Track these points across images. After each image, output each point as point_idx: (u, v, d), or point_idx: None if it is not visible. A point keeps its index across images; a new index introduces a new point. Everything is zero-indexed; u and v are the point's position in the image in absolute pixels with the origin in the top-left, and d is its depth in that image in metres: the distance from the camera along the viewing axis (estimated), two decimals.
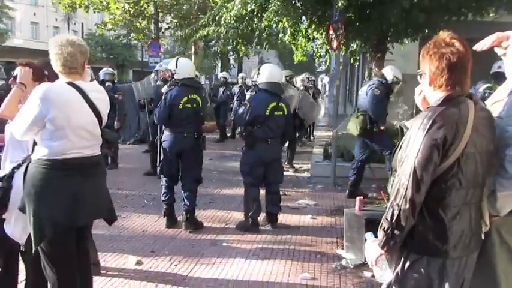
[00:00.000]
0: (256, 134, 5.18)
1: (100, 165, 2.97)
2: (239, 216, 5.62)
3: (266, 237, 5.06)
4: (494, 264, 2.11)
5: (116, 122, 8.52)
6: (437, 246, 1.89)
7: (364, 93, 6.50)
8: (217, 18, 8.58)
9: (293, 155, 9.11)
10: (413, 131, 1.88)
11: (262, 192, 5.44)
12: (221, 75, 14.63)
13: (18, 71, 3.39)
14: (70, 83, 2.71)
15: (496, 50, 2.46)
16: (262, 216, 5.39)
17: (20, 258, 3.26)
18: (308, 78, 12.51)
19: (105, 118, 2.89)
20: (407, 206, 1.83)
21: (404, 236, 1.89)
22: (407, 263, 1.94)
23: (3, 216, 3.20)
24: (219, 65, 25.68)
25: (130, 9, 16.29)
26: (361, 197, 4.58)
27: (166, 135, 5.27)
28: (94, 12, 15.82)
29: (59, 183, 2.68)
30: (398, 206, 1.85)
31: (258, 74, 5.36)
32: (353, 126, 6.44)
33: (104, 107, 2.89)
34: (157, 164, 5.65)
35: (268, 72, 5.28)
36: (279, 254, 4.60)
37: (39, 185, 2.67)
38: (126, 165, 9.00)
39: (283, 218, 5.60)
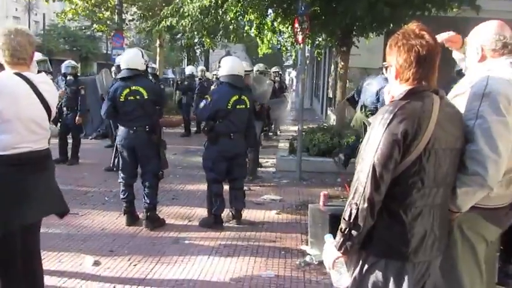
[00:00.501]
0: (218, 129, 5.05)
1: (49, 158, 2.83)
2: (203, 212, 5.49)
3: (230, 234, 4.95)
4: (457, 265, 2.07)
5: (77, 117, 8.25)
6: (397, 248, 1.79)
7: (374, 94, 5.97)
8: (181, 10, 8.40)
9: (257, 160, 7.79)
10: (373, 126, 1.79)
11: (226, 187, 5.33)
12: (188, 69, 14.41)
13: None
14: (18, 74, 2.58)
15: (454, 55, 2.46)
16: (226, 213, 5.29)
17: None
18: (276, 72, 12.46)
19: (54, 111, 2.76)
20: (366, 205, 1.73)
21: (362, 237, 1.78)
22: (366, 266, 1.84)
23: None
24: (186, 58, 25.33)
25: None
26: (326, 193, 4.53)
27: (119, 130, 5.13)
28: (54, 1, 15.20)
29: (8, 179, 2.55)
30: (356, 205, 1.74)
31: (219, 66, 5.24)
32: (359, 123, 6.29)
33: (53, 99, 2.78)
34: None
35: (230, 65, 5.16)
36: (243, 251, 4.51)
37: None
38: (87, 161, 8.72)
39: (247, 214, 5.51)
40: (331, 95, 12.96)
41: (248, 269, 4.10)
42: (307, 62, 17.45)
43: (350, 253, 1.83)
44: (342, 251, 1.81)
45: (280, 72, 13.72)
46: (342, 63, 9.05)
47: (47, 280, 3.63)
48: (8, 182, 2.55)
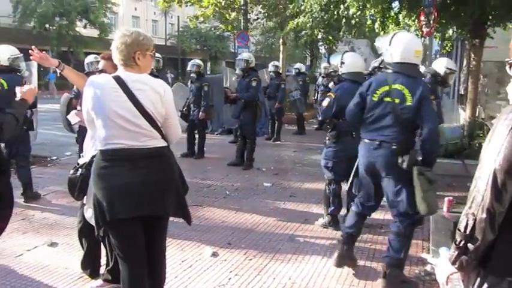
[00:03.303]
0: (340, 127, 4.94)
1: (155, 159, 2.75)
2: (319, 211, 5.46)
3: None
4: None
5: (200, 113, 8.72)
6: None
7: None
8: (301, 8, 8.40)
9: None
10: (495, 127, 1.58)
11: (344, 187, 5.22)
12: (297, 66, 14.43)
13: (101, 64, 3.56)
14: (114, 76, 2.71)
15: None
16: (342, 213, 5.18)
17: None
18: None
19: (152, 109, 2.69)
20: (484, 215, 1.53)
21: (480, 252, 1.58)
22: (485, 286, 1.62)
23: (84, 201, 3.38)
24: (310, 55, 25.36)
25: (220, 0, 16.56)
26: (451, 198, 4.21)
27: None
28: (186, 6, 16.26)
29: (105, 173, 2.70)
30: (474, 216, 1.55)
31: (342, 63, 5.11)
32: None
33: (149, 97, 2.70)
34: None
35: (351, 62, 5.02)
36: (358, 254, 4.36)
37: (94, 174, 2.79)
38: (212, 155, 9.19)
39: None
40: (462, 92, 12.02)
41: (363, 273, 3.98)
42: (437, 56, 16.37)
43: (466, 269, 1.64)
44: (456, 266, 1.64)
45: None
46: (475, 57, 8.33)
47: (168, 267, 3.91)
48: (103, 175, 2.70)
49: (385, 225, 5.15)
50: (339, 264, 3.95)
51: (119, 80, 2.67)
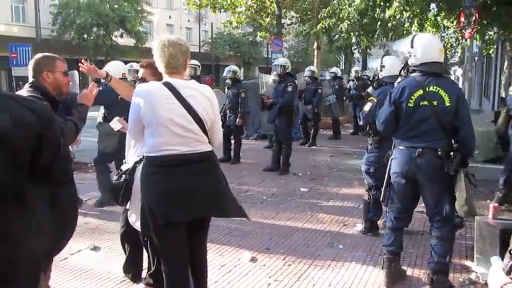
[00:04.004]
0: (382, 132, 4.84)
1: (205, 163, 2.83)
2: (358, 217, 5.39)
3: None
4: None
5: (238, 119, 8.76)
6: None
7: None
8: (337, 11, 8.36)
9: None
10: None
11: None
12: (332, 70, 14.31)
13: (140, 72, 3.62)
14: (164, 82, 2.74)
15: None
16: (382, 220, 5.10)
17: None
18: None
19: (204, 115, 2.75)
20: None
21: None
22: None
23: (127, 207, 3.45)
24: (343, 59, 25.16)
25: (253, 4, 16.64)
26: (496, 204, 4.08)
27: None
28: (220, 12, 16.45)
29: (156, 179, 2.73)
30: None
31: (382, 67, 5.02)
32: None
33: (201, 103, 2.76)
34: None
35: (391, 64, 4.93)
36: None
37: (142, 179, 2.81)
38: (248, 161, 9.23)
39: None
40: (503, 95, 11.65)
41: (405, 282, 3.89)
42: (475, 58, 15.95)
43: None
44: (511, 277, 1.58)
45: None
46: None
47: (209, 271, 3.94)
48: (156, 181, 2.72)
49: (426, 231, 5.04)
50: (391, 283, 3.80)
51: (171, 87, 2.70)
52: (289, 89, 8.07)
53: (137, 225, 3.11)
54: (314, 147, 11.19)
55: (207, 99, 2.79)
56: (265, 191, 6.91)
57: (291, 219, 5.53)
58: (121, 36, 32.36)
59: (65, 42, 29.21)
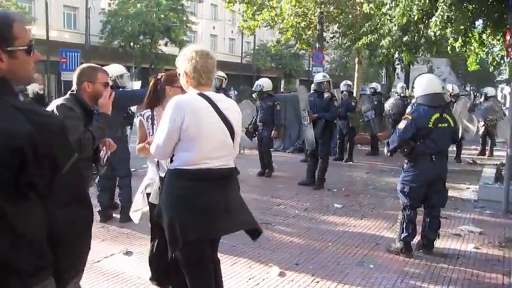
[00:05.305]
0: (418, 150, 4.77)
1: (233, 177, 2.84)
2: (391, 236, 5.28)
3: (418, 264, 4.64)
4: None
5: (273, 131, 8.77)
6: None
7: None
8: (378, 26, 8.29)
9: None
10: None
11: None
12: (372, 85, 14.11)
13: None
14: (200, 94, 2.68)
15: None
16: (416, 240, 4.98)
17: None
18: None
19: (237, 129, 2.76)
20: None
21: None
22: None
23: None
24: (384, 74, 24.82)
25: (300, 21, 16.74)
26: None
27: None
28: (266, 29, 16.74)
29: (189, 193, 2.67)
30: None
31: (413, 87, 4.97)
32: None
33: (234, 117, 2.76)
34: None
35: (426, 84, 4.86)
36: (432, 285, 4.17)
37: (172, 194, 2.72)
38: (282, 174, 9.22)
39: (440, 244, 5.08)
40: None
41: None
42: None
43: None
44: None
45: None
46: None
47: (235, 284, 3.96)
48: (188, 195, 2.66)
49: (462, 256, 4.89)
50: None
51: (209, 99, 2.65)
52: (334, 103, 8.09)
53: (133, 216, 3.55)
54: (351, 162, 11.06)
55: (238, 114, 2.81)
56: (299, 205, 6.87)
57: (323, 235, 5.48)
58: (165, 44, 33.13)
59: (112, 50, 30.19)
